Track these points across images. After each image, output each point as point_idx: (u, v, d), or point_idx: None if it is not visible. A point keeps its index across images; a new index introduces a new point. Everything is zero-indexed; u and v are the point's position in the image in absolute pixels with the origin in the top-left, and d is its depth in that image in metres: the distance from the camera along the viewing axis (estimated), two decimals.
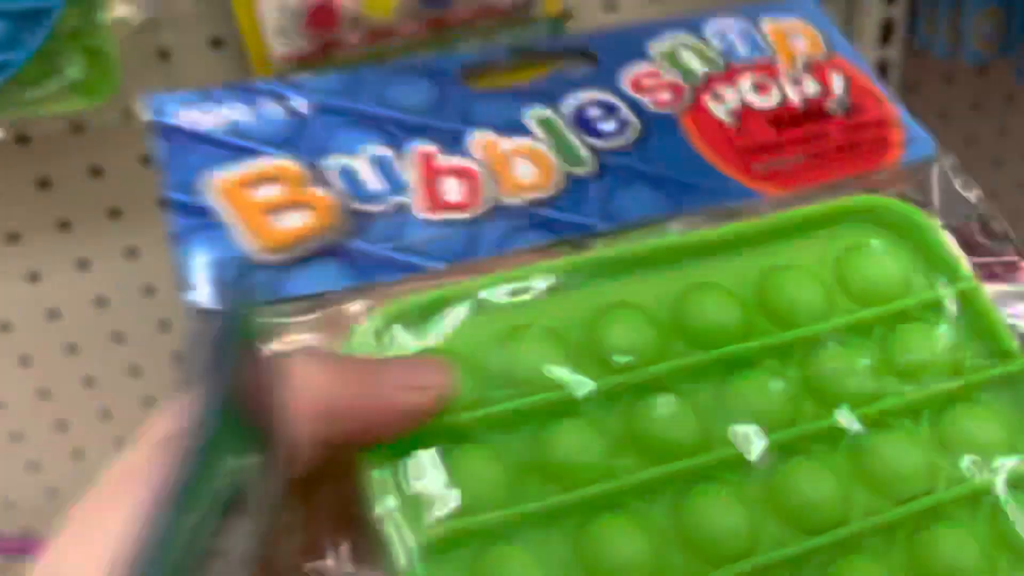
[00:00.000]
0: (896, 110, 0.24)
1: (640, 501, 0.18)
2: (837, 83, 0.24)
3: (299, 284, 0.20)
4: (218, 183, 0.21)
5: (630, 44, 0.24)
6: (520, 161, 0.22)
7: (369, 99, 0.23)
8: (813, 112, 0.23)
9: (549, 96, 0.23)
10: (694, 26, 0.24)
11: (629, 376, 0.19)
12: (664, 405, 0.19)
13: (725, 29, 0.25)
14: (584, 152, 0.22)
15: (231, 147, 0.21)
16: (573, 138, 0.22)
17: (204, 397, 0.13)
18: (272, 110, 0.22)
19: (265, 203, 0.20)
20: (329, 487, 0.18)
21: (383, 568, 0.17)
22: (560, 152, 0.22)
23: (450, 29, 0.44)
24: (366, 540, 0.18)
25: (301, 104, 0.22)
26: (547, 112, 0.23)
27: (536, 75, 0.24)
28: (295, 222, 0.20)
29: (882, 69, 0.51)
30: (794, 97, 0.23)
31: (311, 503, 0.18)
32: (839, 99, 0.24)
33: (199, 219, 0.20)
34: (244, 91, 0.22)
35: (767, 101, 0.23)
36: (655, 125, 0.23)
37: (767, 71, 0.24)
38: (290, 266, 0.20)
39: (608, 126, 0.23)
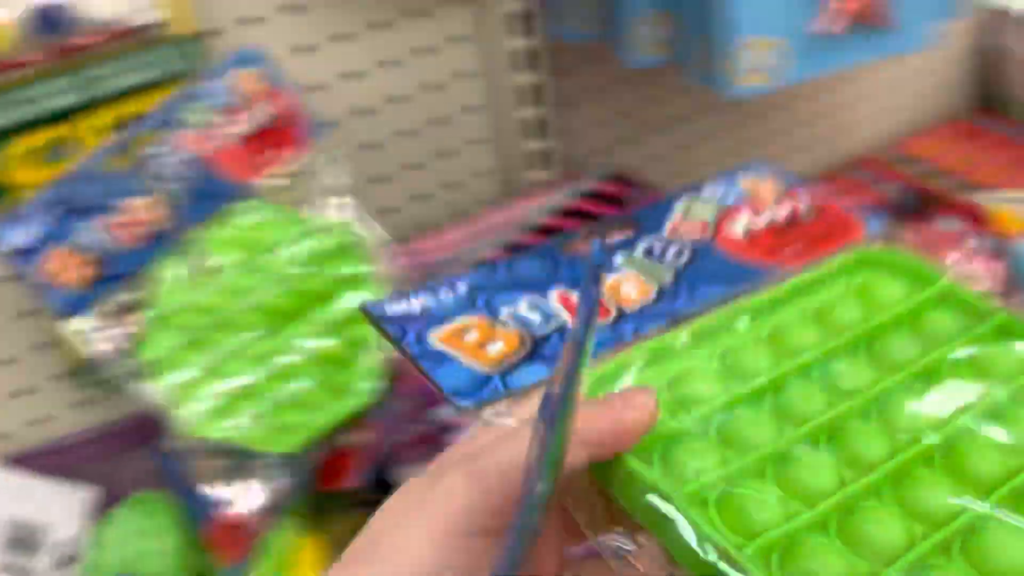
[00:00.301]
0: (844, 207, 0.36)
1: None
2: (802, 203, 0.36)
3: (518, 380, 0.29)
4: (438, 336, 0.30)
5: (661, 210, 0.36)
6: (624, 285, 0.32)
7: (507, 274, 0.33)
8: (794, 221, 0.35)
9: (623, 248, 0.34)
10: (696, 189, 0.37)
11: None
12: None
13: (717, 190, 0.37)
14: (663, 271, 0.33)
15: (435, 318, 0.31)
16: (652, 265, 0.33)
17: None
18: (447, 295, 0.32)
19: (475, 342, 0.30)
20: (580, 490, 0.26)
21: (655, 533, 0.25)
22: (646, 274, 0.33)
23: (78, 56, 0.43)
24: (628, 522, 0.25)
25: (463, 287, 0.33)
26: (627, 255, 0.34)
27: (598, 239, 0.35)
28: (498, 348, 0.30)
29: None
30: (780, 216, 0.35)
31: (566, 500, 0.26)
32: (806, 209, 0.36)
33: (436, 359, 0.29)
34: (427, 287, 0.33)
35: (762, 221, 0.35)
36: (698, 248, 0.34)
37: (753, 206, 0.36)
38: (506, 372, 0.29)
39: (670, 254, 0.34)
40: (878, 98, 0.77)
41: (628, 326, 0.31)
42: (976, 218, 0.60)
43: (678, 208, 0.36)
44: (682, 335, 0.30)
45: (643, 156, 0.72)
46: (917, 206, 0.64)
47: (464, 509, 0.24)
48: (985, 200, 0.61)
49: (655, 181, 0.68)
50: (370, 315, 0.31)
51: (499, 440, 0.25)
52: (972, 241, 0.58)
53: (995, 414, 0.27)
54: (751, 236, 0.35)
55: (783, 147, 0.75)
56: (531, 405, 0.26)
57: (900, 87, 0.77)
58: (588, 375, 0.28)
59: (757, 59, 0.45)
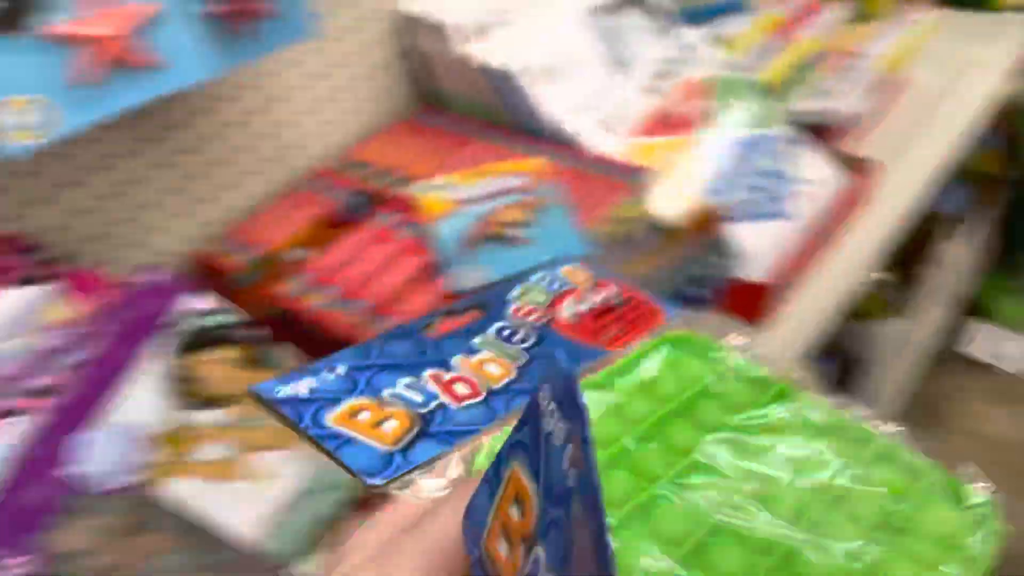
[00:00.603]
0: (647, 295, 0.43)
1: None
2: (612, 291, 0.43)
3: (417, 456, 0.32)
4: (333, 418, 0.32)
5: (500, 295, 0.41)
6: (489, 365, 0.37)
7: (380, 356, 0.36)
8: (609, 307, 0.42)
9: (478, 331, 0.38)
10: (524, 277, 0.42)
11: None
12: None
13: (542, 277, 0.43)
14: (516, 351, 0.38)
15: (324, 400, 0.33)
16: (507, 346, 0.38)
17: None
18: (329, 376, 0.34)
19: (369, 421, 0.33)
20: None
21: None
22: (504, 355, 0.37)
23: None
24: None
25: (342, 369, 0.35)
26: (483, 338, 0.38)
27: (459, 323, 0.39)
28: (393, 426, 0.33)
29: None
30: (597, 302, 0.42)
31: None
32: (616, 296, 0.43)
33: (338, 439, 0.31)
34: (308, 370, 0.34)
35: (585, 306, 0.41)
36: (540, 331, 0.39)
37: (575, 293, 0.42)
38: (405, 449, 0.32)
39: (518, 336, 0.39)
40: (322, 112, 0.82)
41: (499, 402, 0.35)
42: (407, 209, 0.68)
43: (515, 293, 0.41)
44: None
45: (65, 211, 0.67)
46: (365, 207, 0.71)
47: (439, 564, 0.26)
48: (416, 190, 0.68)
49: (91, 233, 0.66)
50: (262, 399, 0.33)
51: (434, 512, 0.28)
52: (402, 231, 0.67)
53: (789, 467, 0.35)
54: (579, 319, 0.41)
55: (234, 175, 0.77)
56: (435, 480, 0.30)
57: (340, 98, 0.83)
58: (478, 448, 0.32)
59: (21, 118, 0.46)
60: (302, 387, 0.34)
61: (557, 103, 0.79)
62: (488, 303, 0.41)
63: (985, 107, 1.16)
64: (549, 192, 0.68)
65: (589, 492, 0.22)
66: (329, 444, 0.31)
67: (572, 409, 0.23)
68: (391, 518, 0.29)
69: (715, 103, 0.87)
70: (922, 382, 1.52)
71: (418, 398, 0.34)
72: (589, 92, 0.82)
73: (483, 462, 0.31)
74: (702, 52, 0.91)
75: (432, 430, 0.33)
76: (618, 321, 0.41)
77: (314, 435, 0.32)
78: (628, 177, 0.73)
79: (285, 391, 0.33)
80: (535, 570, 0.23)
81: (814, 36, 1.03)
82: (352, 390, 0.34)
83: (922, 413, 1.50)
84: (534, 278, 0.43)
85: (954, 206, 1.39)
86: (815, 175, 0.87)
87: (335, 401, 0.33)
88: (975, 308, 1.60)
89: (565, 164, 0.73)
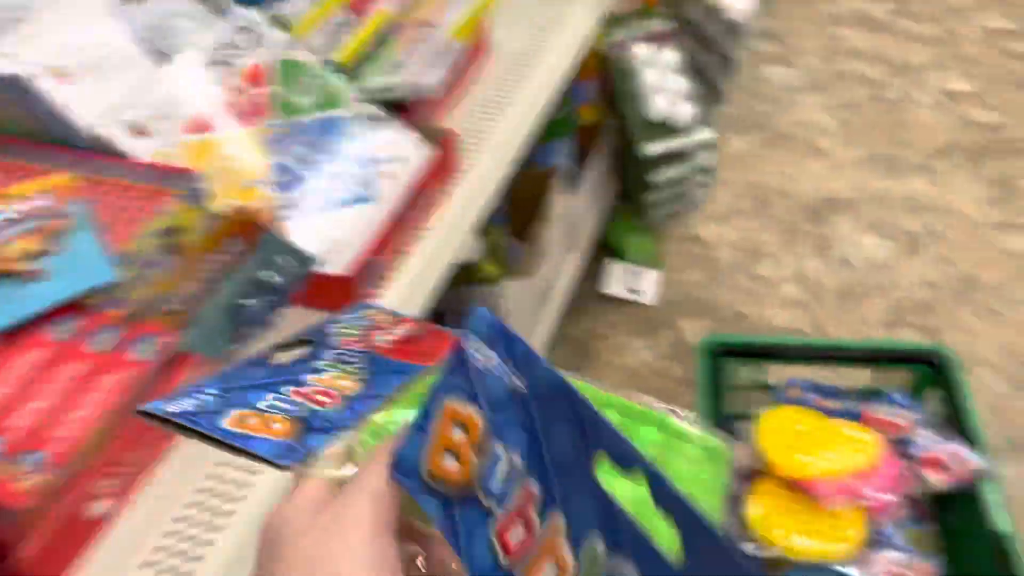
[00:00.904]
0: (438, 327, 0.51)
1: None
2: (411, 326, 0.50)
3: (312, 443, 0.36)
4: (227, 423, 0.36)
5: (320, 332, 0.46)
6: (338, 380, 0.42)
7: (241, 379, 0.40)
8: (413, 337, 0.49)
9: (318, 357, 0.43)
10: (336, 320, 0.48)
11: None
12: None
13: (349, 320, 0.48)
14: (356, 370, 0.43)
15: (210, 412, 0.36)
16: (346, 366, 0.43)
17: None
18: (206, 397, 0.37)
19: (258, 425, 0.36)
20: None
21: None
22: (348, 374, 0.43)
23: None
24: None
25: (213, 390, 0.38)
26: (324, 361, 0.43)
27: (296, 355, 0.44)
28: (280, 427, 0.37)
29: None
30: (402, 334, 0.48)
31: None
32: (416, 329, 0.50)
33: (240, 437, 0.35)
34: (182, 393, 0.37)
35: (394, 337, 0.48)
36: (368, 355, 0.45)
37: (381, 329, 0.49)
38: (299, 440, 0.36)
39: (353, 360, 0.44)
40: None
41: (359, 405, 0.40)
42: None
43: (335, 329, 0.47)
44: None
45: None
46: None
47: (382, 512, 0.32)
48: None
49: None
50: (152, 415, 0.35)
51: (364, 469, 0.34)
52: None
53: None
54: (395, 345, 0.47)
55: None
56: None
57: None
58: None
59: None
60: (187, 404, 0.36)
61: (89, 107, 0.70)
62: (314, 338, 0.46)
63: (572, 61, 1.21)
64: (76, 212, 0.62)
65: (554, 380, 0.31)
66: (236, 441, 0.35)
67: (506, 338, 0.32)
68: (308, 493, 0.34)
69: (279, 88, 0.82)
70: (570, 324, 1.67)
71: (290, 407, 0.39)
72: (127, 91, 0.73)
73: (368, 439, 0.37)
74: (263, 35, 0.83)
75: (315, 426, 0.38)
76: (424, 346, 0.48)
77: (219, 436, 0.35)
78: (174, 182, 0.66)
79: (174, 407, 0.36)
80: (494, 461, 0.31)
81: (386, 9, 0.96)
82: (230, 405, 0.37)
83: (574, 353, 1.65)
84: (344, 318, 0.48)
85: (562, 159, 1.48)
86: (397, 152, 0.85)
87: (219, 412, 0.37)
88: (607, 249, 1.78)
89: (99, 175, 0.66)
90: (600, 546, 0.29)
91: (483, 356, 0.33)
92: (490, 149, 0.99)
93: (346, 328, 0.47)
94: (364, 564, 0.31)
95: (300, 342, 0.45)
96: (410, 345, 0.48)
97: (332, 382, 0.42)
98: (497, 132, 1.02)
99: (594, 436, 0.30)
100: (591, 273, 1.76)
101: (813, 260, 1.81)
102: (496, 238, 1.30)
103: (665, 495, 0.28)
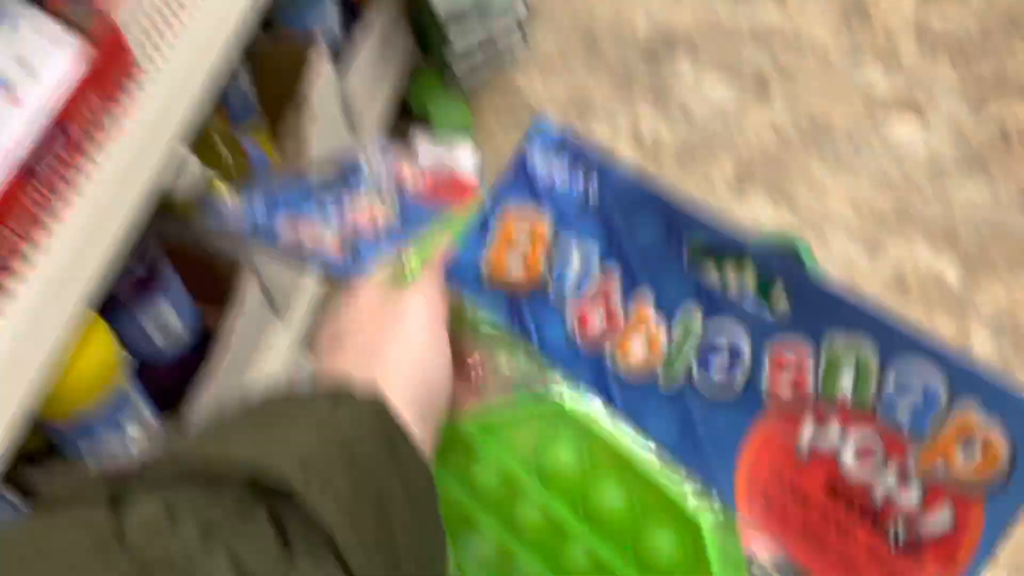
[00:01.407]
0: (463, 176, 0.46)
1: None
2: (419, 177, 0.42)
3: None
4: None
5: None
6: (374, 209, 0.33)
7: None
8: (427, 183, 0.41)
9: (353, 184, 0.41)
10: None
11: None
12: None
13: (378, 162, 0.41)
14: (389, 202, 0.35)
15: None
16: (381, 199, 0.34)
17: None
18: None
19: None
20: None
21: None
22: (383, 204, 0.34)
23: None
24: None
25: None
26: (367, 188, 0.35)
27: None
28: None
29: None
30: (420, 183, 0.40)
31: None
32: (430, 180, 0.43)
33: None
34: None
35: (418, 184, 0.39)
36: (399, 194, 0.41)
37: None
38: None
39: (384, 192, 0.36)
40: None
41: (396, 237, 0.41)
42: None
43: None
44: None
45: None
46: None
47: (436, 309, 0.39)
48: None
49: None
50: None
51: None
52: None
53: None
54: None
55: None
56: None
57: None
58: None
59: None
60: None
61: None
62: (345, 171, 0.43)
63: None
64: None
65: (633, 181, 0.36)
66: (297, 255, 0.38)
67: (574, 146, 0.36)
68: (366, 297, 0.41)
69: None
70: None
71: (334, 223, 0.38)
72: None
73: (415, 264, 0.41)
74: None
75: (362, 247, 0.39)
76: (441, 191, 0.43)
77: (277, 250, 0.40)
78: None
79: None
80: (566, 257, 0.36)
81: None
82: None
83: None
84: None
85: (324, 21, 1.29)
86: (30, 52, 0.65)
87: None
88: (415, 116, 1.66)
89: None
90: (697, 313, 0.34)
91: (547, 163, 0.36)
92: (191, 29, 0.79)
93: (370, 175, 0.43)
94: (420, 344, 0.38)
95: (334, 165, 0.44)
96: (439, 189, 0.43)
97: (371, 209, 0.40)
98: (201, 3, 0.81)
99: (685, 223, 0.34)
100: (401, 133, 1.64)
101: (651, 113, 1.77)
102: (225, 143, 1.02)
103: (769, 265, 0.33)
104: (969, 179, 1.66)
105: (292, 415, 0.32)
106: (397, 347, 0.37)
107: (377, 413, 0.34)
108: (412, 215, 0.41)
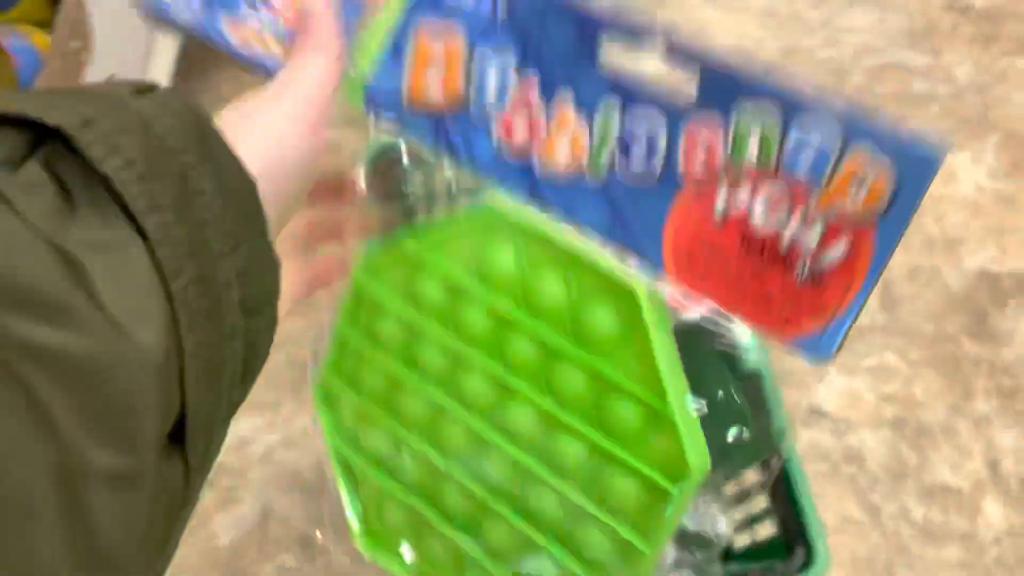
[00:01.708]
0: None
1: None
2: None
3: None
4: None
5: None
6: None
7: None
8: None
9: None
10: None
11: None
12: None
13: None
14: None
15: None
16: None
17: None
18: None
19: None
20: None
21: None
22: None
23: None
24: None
25: None
26: None
27: None
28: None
29: None
30: None
31: None
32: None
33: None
34: None
35: None
36: None
37: None
38: None
39: None
40: None
41: None
42: None
43: None
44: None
45: None
46: None
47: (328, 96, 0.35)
48: None
49: None
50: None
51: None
52: None
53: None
54: None
55: None
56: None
57: None
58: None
59: None
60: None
61: None
62: None
63: None
64: None
65: None
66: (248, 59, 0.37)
67: None
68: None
69: None
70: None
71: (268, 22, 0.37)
72: None
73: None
74: None
75: None
76: None
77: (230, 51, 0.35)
78: None
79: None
80: (483, 71, 0.37)
81: None
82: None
83: None
84: None
85: None
86: None
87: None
88: None
89: None
90: (615, 108, 0.36)
91: None
92: None
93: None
94: (290, 118, 0.33)
95: None
96: None
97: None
98: None
99: (597, 24, 0.35)
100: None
101: None
102: None
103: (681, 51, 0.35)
104: None
105: (87, 92, 0.27)
106: (266, 117, 0.33)
107: (190, 108, 0.29)
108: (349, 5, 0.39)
